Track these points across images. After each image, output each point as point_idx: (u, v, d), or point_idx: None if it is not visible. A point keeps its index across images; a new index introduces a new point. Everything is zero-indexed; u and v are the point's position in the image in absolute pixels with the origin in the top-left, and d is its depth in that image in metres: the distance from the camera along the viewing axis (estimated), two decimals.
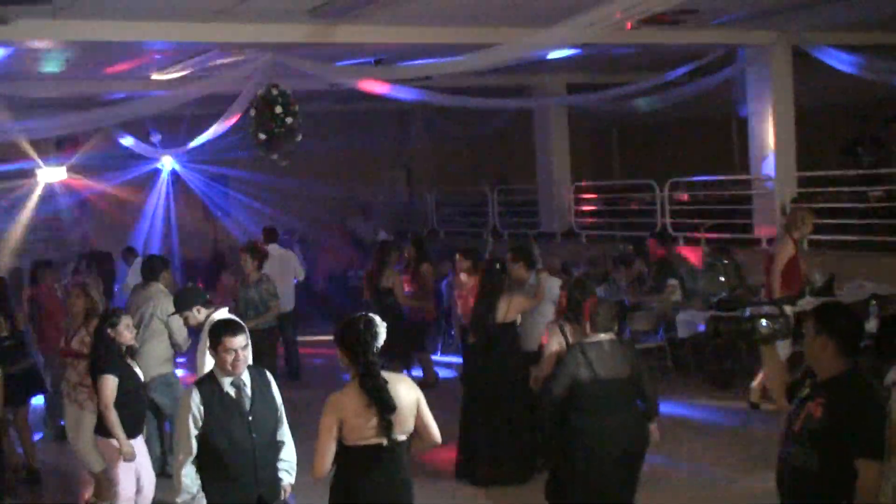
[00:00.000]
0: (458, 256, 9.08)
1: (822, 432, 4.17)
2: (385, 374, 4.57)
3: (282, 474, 5.22)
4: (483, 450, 7.82)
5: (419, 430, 4.71)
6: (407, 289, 11.22)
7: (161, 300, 8.17)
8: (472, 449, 7.94)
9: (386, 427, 4.49)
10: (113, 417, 6.39)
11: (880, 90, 13.69)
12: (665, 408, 9.29)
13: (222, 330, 5.10)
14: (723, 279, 10.70)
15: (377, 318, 4.65)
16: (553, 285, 8.08)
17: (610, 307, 6.04)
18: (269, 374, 5.33)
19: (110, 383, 6.40)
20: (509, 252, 8.51)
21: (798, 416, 4.32)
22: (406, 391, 4.62)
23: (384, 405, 4.48)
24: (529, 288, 8.23)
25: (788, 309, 7.53)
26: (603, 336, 5.91)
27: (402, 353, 10.83)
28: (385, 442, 4.52)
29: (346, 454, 4.55)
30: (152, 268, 8.63)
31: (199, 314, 6.70)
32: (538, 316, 7.98)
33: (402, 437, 4.60)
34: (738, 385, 10.14)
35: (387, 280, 10.97)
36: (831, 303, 5.43)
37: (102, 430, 6.51)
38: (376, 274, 11.06)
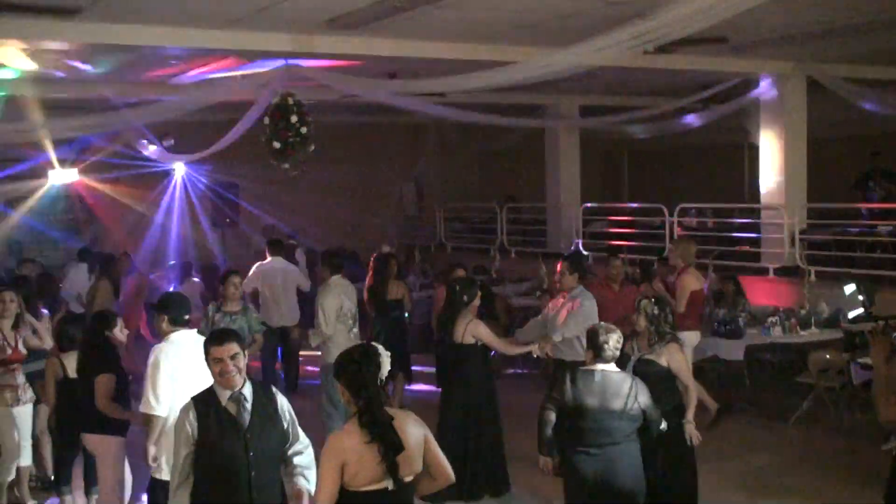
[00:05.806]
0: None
1: None
2: (390, 411, 4.23)
3: (297, 479, 4.87)
4: (459, 465, 7.78)
5: (431, 469, 4.34)
6: None
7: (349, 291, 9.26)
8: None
9: (392, 469, 4.10)
10: (114, 409, 6.57)
11: (893, 123, 13.70)
12: None
13: (209, 339, 4.82)
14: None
15: (379, 347, 4.31)
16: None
17: (617, 337, 5.75)
18: (274, 389, 4.97)
19: (110, 382, 6.59)
20: (564, 261, 8.47)
21: None
22: (413, 428, 4.26)
23: (389, 444, 4.10)
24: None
25: None
26: (601, 366, 5.69)
27: (405, 366, 10.57)
28: (391, 486, 4.14)
29: (348, 500, 4.16)
30: (338, 263, 9.46)
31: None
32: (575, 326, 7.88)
33: (410, 479, 4.22)
34: (740, 410, 10.26)
35: (394, 292, 10.76)
36: None
37: (96, 426, 6.66)
38: (380, 287, 10.85)
